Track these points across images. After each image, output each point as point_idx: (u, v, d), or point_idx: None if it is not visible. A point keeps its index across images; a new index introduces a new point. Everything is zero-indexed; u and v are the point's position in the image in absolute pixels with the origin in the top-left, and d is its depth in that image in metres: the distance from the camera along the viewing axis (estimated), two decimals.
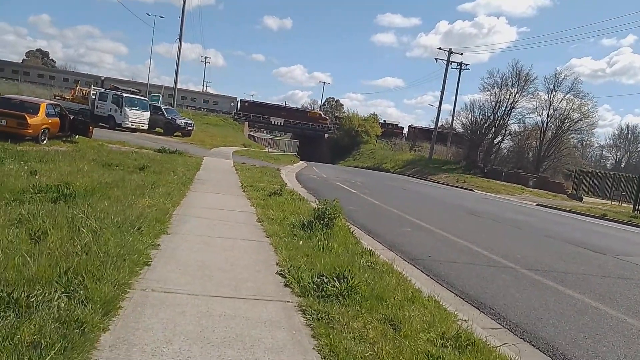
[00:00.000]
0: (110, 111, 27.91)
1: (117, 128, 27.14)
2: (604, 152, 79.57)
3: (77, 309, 3.12)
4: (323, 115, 73.59)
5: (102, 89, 31.65)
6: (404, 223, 10.51)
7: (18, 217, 5.10)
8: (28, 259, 3.73)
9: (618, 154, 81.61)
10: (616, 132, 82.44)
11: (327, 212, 7.20)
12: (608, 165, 76.67)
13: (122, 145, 18.19)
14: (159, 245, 5.13)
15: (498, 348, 3.61)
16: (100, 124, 26.52)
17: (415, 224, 10.52)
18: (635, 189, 24.44)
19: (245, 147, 34.71)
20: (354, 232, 7.38)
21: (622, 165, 74.24)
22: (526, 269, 7.07)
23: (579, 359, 4.00)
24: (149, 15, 79.48)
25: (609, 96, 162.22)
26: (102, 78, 61.03)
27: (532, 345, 4.23)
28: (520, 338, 4.36)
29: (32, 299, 3.08)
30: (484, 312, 4.93)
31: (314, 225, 6.85)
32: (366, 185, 21.22)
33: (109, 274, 3.78)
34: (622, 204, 28.03)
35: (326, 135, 67.18)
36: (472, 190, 30.46)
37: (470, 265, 7.02)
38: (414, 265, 6.50)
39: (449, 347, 3.47)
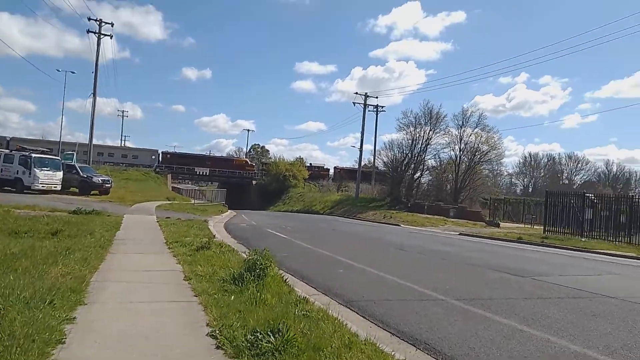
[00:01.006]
0: (17, 173, 25.92)
1: (25, 191, 25.18)
2: (513, 180, 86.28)
3: None
4: (249, 162, 73.52)
5: (7, 151, 29.39)
6: (337, 265, 10.55)
7: None
8: None
9: (525, 180, 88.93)
10: (521, 161, 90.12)
11: (258, 263, 7.05)
12: (517, 191, 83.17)
13: (32, 210, 16.81)
14: (74, 318, 4.70)
15: None
16: (6, 187, 24.51)
17: (348, 265, 10.59)
18: (544, 212, 26.57)
19: (169, 200, 33.48)
20: (287, 280, 7.26)
21: (530, 190, 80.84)
22: (455, 299, 7.31)
23: None
24: (59, 71, 75.85)
25: (511, 129, 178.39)
26: (8, 138, 56.75)
27: None
28: None
29: None
30: (419, 349, 4.98)
31: (246, 277, 6.66)
32: (297, 229, 21.19)
33: (15, 359, 3.38)
34: (534, 226, 30.31)
35: (254, 182, 66.92)
36: (398, 225, 31.44)
37: (403, 301, 7.14)
38: (349, 308, 6.49)
39: None
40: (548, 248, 19.12)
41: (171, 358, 3.91)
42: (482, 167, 50.09)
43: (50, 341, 3.93)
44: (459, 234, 25.25)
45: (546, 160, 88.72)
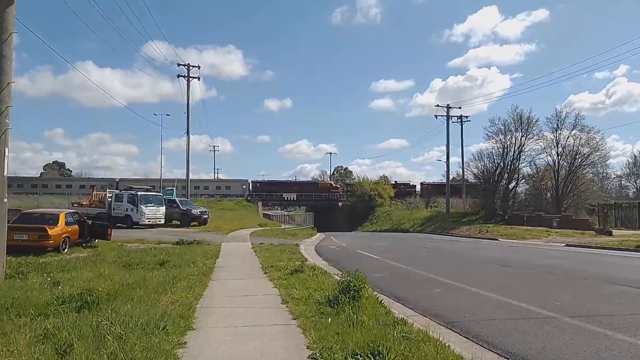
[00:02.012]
0: (127, 211, 28.54)
1: (134, 226, 27.57)
2: (622, 182, 78.37)
3: None
4: (334, 185, 74.37)
5: (117, 191, 32.59)
6: (433, 284, 10.20)
7: (43, 332, 5.07)
8: None
9: (638, 181, 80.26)
10: (630, 161, 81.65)
11: (352, 284, 7.05)
12: (630, 194, 75.14)
13: (141, 243, 18.37)
14: (185, 343, 5.01)
15: None
16: (118, 224, 27.01)
17: (445, 284, 10.19)
18: None
19: (261, 227, 34.81)
20: (382, 301, 7.16)
21: None
22: (569, 317, 6.71)
23: None
24: (155, 115, 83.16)
25: (614, 127, 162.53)
26: (117, 180, 62.99)
27: None
28: None
29: None
30: None
31: (340, 299, 6.68)
32: (387, 248, 20.89)
33: None
34: None
35: (340, 204, 67.40)
36: (496, 240, 29.78)
37: (510, 320, 6.69)
38: (450, 329, 6.21)
39: None
40: None
41: None
42: (584, 171, 46.10)
43: None
44: (565, 245, 23.29)
45: None
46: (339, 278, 8.31)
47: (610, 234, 28.03)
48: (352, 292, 6.87)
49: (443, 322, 6.54)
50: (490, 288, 9.27)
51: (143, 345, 4.50)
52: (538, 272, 12.51)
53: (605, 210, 36.94)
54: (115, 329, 5.02)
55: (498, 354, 5.17)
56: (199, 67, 41.32)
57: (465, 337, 5.82)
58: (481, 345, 5.46)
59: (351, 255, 17.90)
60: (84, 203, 31.86)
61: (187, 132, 40.63)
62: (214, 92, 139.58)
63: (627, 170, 79.17)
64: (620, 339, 5.60)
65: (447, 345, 4.93)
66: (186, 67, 40.35)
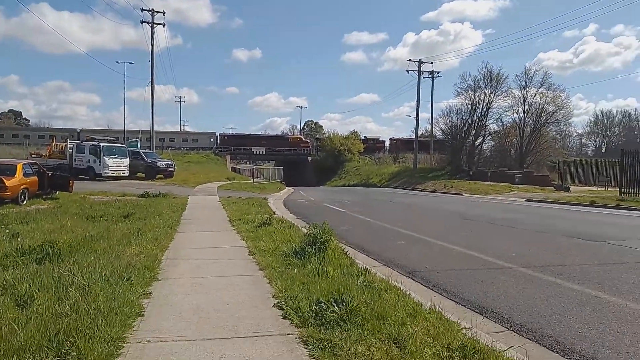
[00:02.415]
0: (89, 162, 27.72)
1: (97, 178, 26.89)
2: (583, 140, 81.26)
3: None
4: (304, 139, 73.97)
5: (78, 142, 31.46)
6: (397, 236, 10.48)
7: (2, 284, 4.96)
8: (15, 326, 3.60)
9: (597, 140, 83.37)
10: (592, 119, 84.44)
11: (319, 236, 7.15)
12: (589, 152, 78.20)
13: (105, 195, 17.99)
14: (150, 293, 5.02)
15: (505, 352, 3.56)
16: (80, 176, 26.24)
17: (409, 236, 10.49)
18: (619, 173, 24.80)
19: (229, 180, 34.58)
20: (348, 253, 7.32)
21: (603, 151, 75.79)
22: (523, 267, 7.07)
23: (586, 351, 3.97)
24: (118, 63, 79.71)
25: (580, 85, 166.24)
26: (78, 130, 60.65)
27: (539, 344, 4.18)
28: (527, 338, 4.31)
29: None
30: (487, 317, 4.88)
31: (307, 251, 6.78)
32: (355, 203, 21.21)
33: (101, 330, 3.67)
34: (608, 189, 28.43)
35: (309, 159, 67.39)
36: (460, 194, 30.63)
37: (468, 270, 6.99)
38: (412, 279, 6.45)
39: (456, 358, 3.41)
40: (625, 211, 17.92)
41: (241, 328, 4.07)
42: (548, 129, 47.38)
43: (131, 314, 4.22)
44: (525, 200, 24.22)
45: (621, 117, 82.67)
46: (306, 231, 8.41)
47: (568, 189, 29.27)
48: (318, 244, 6.99)
49: (405, 272, 6.77)
50: (452, 240, 9.61)
51: (106, 296, 4.48)
52: (498, 226, 13.03)
53: (564, 167, 38.38)
54: (77, 280, 4.96)
55: (456, 301, 5.42)
56: (163, 12, 39.30)
57: (425, 286, 6.06)
58: (440, 294, 5.71)
59: (319, 209, 18.11)
60: (44, 154, 30.72)
61: (152, 82, 39.12)
62: (180, 39, 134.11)
63: (588, 128, 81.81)
64: (569, 287, 5.95)
65: (408, 293, 5.12)
66: (150, 12, 38.26)
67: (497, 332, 4.41)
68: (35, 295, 4.44)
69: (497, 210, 18.46)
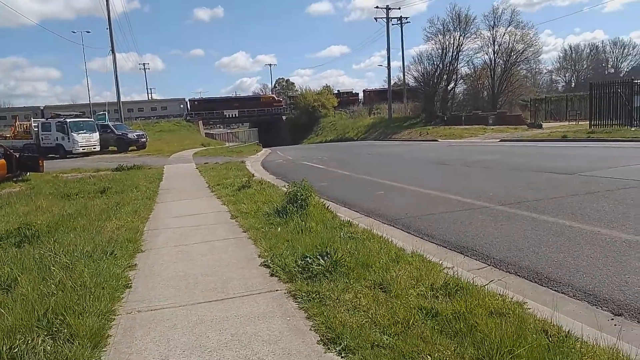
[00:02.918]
0: (57, 140, 26.93)
1: (68, 156, 26.22)
2: (553, 77, 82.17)
3: (64, 348, 3.02)
4: (276, 98, 72.90)
5: (43, 119, 30.35)
6: (377, 187, 10.61)
7: None
8: (1, 310, 3.58)
9: (567, 75, 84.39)
10: (561, 55, 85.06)
11: (299, 194, 7.18)
12: (560, 88, 79.29)
13: (78, 172, 17.58)
14: (135, 265, 5.01)
15: (486, 286, 3.71)
16: (50, 155, 25.54)
17: (388, 186, 10.63)
18: (589, 106, 25.32)
19: (204, 146, 34.12)
20: (329, 207, 7.39)
21: (573, 86, 76.88)
22: (500, 205, 7.28)
23: (562, 277, 4.17)
24: (74, 32, 75.53)
25: (548, 21, 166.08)
26: (41, 108, 58.39)
27: (518, 275, 4.37)
28: (506, 272, 4.50)
29: (15, 350, 2.97)
30: (467, 256, 5.05)
31: (289, 209, 6.82)
32: (332, 158, 21.27)
33: (90, 305, 3.67)
34: (579, 123, 29.12)
35: (284, 117, 66.72)
36: (436, 140, 30.98)
37: (447, 213, 7.17)
38: (393, 226, 6.59)
39: (440, 296, 3.55)
40: (595, 142, 18.45)
41: (230, 289, 4.14)
42: (519, 68, 47.81)
43: (118, 287, 4.23)
44: (499, 141, 24.65)
45: (589, 50, 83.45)
46: (286, 189, 8.43)
47: (540, 127, 29.86)
48: (299, 202, 7.03)
49: (386, 221, 6.91)
50: (430, 186, 9.79)
51: (91, 272, 4.46)
52: (474, 168, 13.29)
53: (536, 105, 38.97)
54: (60, 259, 4.91)
55: (437, 243, 5.59)
56: None
57: (407, 232, 6.21)
58: (421, 238, 5.87)
59: (297, 167, 18.11)
60: (7, 135, 29.72)
61: (112, 50, 37.69)
62: (137, 3, 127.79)
63: (558, 64, 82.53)
64: (544, 219, 6.18)
65: (390, 240, 5.24)
66: None
67: (478, 269, 4.58)
68: (18, 278, 4.38)
69: (472, 152, 18.77)
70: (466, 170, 13.03)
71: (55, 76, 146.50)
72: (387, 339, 2.96)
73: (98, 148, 28.26)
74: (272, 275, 4.44)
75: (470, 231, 5.96)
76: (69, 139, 26.59)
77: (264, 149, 33.13)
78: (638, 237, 5.07)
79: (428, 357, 2.71)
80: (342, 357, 2.86)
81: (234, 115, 66.26)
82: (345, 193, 9.92)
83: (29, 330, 3.28)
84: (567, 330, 2.91)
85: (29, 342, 3.07)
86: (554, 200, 7.34)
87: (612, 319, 3.36)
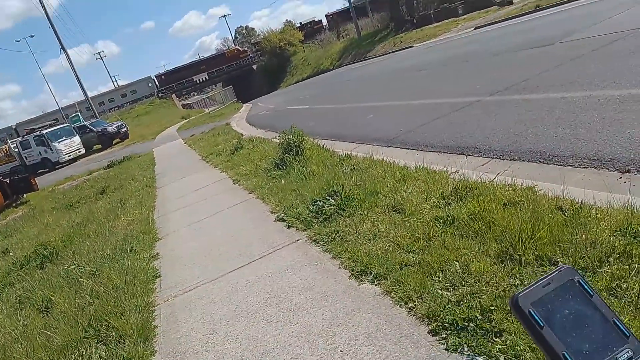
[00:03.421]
0: (41, 154, 26.54)
1: (57, 167, 25.98)
2: None
3: (118, 349, 3.16)
4: (241, 49, 70.59)
5: (20, 138, 29.75)
6: (365, 112, 10.51)
7: (17, 299, 5.01)
8: (48, 332, 3.70)
9: None
10: None
11: (292, 141, 7.15)
12: None
13: (72, 180, 17.50)
14: (157, 254, 5.12)
15: (494, 180, 3.78)
16: (40, 171, 25.30)
17: (375, 107, 10.54)
18: None
19: (185, 119, 33.58)
20: (324, 146, 7.38)
21: None
22: (490, 96, 7.23)
23: (564, 150, 4.22)
24: (18, 41, 72.20)
25: None
26: (14, 127, 57.06)
27: (522, 160, 4.42)
28: (510, 160, 4.55)
29: None
30: (469, 155, 5.09)
31: (286, 159, 6.83)
32: (313, 95, 20.94)
33: (128, 304, 3.80)
34: None
35: (254, 67, 64.99)
36: (411, 47, 30.24)
37: (440, 118, 7.14)
38: (391, 146, 6.60)
39: (452, 203, 3.62)
40: (569, 4, 17.94)
41: (253, 251, 4.23)
42: None
43: (148, 279, 4.35)
44: (474, 29, 24.05)
45: None
46: (278, 140, 8.39)
47: (511, 3, 28.91)
48: (294, 149, 7.01)
49: (383, 143, 6.91)
50: (415, 95, 9.70)
51: (118, 272, 4.57)
52: (453, 65, 13.06)
53: None
54: (84, 269, 5.02)
55: (437, 151, 5.62)
56: None
57: (405, 149, 6.23)
58: (421, 150, 5.89)
59: (283, 114, 17.89)
60: None
61: (63, 48, 36.28)
62: None
63: None
64: (535, 98, 6.16)
65: (392, 162, 5.28)
66: None
67: (482, 165, 4.63)
68: (52, 298, 4.50)
69: (450, 49, 18.37)
70: (447, 69, 12.82)
71: (16, 91, 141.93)
72: (413, 257, 3.06)
73: (83, 150, 27.90)
74: (289, 227, 4.52)
75: (466, 130, 5.96)
76: (51, 150, 26.19)
77: (244, 105, 32.55)
78: (631, 90, 5.06)
79: (455, 262, 2.81)
80: (375, 285, 2.98)
81: (204, 79, 64.57)
82: (337, 127, 9.86)
83: (80, 342, 3.42)
84: (580, 201, 2.99)
85: (84, 353, 3.21)
86: (541, 76, 7.27)
87: (621, 177, 3.44)
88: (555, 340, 0.50)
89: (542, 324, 0.51)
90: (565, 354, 0.49)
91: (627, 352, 0.50)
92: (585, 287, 0.54)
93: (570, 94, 5.75)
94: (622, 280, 2.21)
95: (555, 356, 0.49)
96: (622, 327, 0.52)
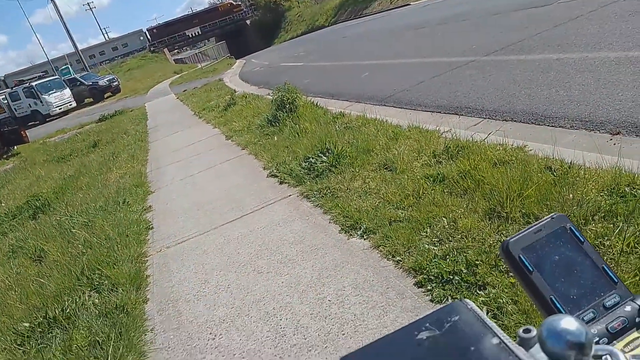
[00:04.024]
0: (31, 106, 26.09)
1: (47, 120, 25.62)
2: None
3: (111, 297, 3.24)
4: (234, 3, 68.45)
5: (9, 90, 29.14)
6: (360, 70, 10.37)
7: (10, 249, 5.06)
8: (41, 280, 3.77)
9: None
10: None
11: (285, 98, 7.08)
12: None
13: (64, 133, 17.31)
14: (150, 207, 5.15)
15: (486, 139, 3.80)
16: (30, 123, 24.95)
17: (370, 66, 10.38)
18: None
19: (177, 74, 32.96)
20: (318, 104, 7.32)
21: None
22: (485, 56, 7.14)
23: (557, 112, 4.22)
24: None
25: None
26: (2, 78, 55.79)
27: (515, 121, 4.43)
28: (502, 120, 4.55)
29: (67, 310, 3.19)
30: (462, 114, 5.08)
31: (279, 116, 6.78)
32: (309, 51, 20.53)
33: (121, 254, 3.86)
34: None
35: (248, 22, 63.23)
36: (408, 4, 29.49)
37: (435, 77, 7.07)
38: (384, 105, 6.56)
39: (443, 161, 3.65)
40: None
41: (246, 206, 4.28)
42: None
43: (141, 230, 4.40)
44: None
45: None
46: (271, 97, 8.29)
47: None
48: (287, 106, 6.95)
49: (377, 102, 6.86)
50: (412, 54, 9.56)
51: (111, 224, 4.61)
52: (451, 24, 12.79)
53: None
54: (77, 220, 5.06)
55: (430, 111, 5.60)
56: None
57: (399, 108, 6.20)
58: (414, 109, 5.87)
59: (277, 71, 17.59)
60: None
61: None
62: None
63: None
64: (531, 59, 6.10)
65: (385, 120, 5.27)
66: None
67: (474, 125, 4.63)
68: (45, 247, 4.55)
69: (445, 7, 17.94)
70: (444, 28, 12.55)
71: (3, 41, 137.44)
72: (402, 213, 3.11)
73: (74, 104, 27.44)
74: (281, 183, 4.55)
75: (461, 90, 5.93)
76: (41, 102, 25.73)
77: (237, 60, 31.92)
78: (627, 53, 5.02)
79: (443, 219, 2.87)
80: (364, 239, 3.04)
81: (197, 34, 62.87)
82: (331, 84, 9.74)
83: (73, 290, 3.50)
84: (569, 162, 3.03)
85: (77, 300, 3.28)
86: (538, 37, 7.16)
87: (611, 139, 3.47)
88: (543, 285, 0.50)
89: (531, 269, 0.51)
90: (553, 299, 0.50)
91: (614, 297, 0.51)
92: (577, 234, 0.54)
93: (566, 55, 5.69)
94: (606, 238, 2.27)
95: (543, 301, 0.50)
96: (610, 274, 0.52)
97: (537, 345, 0.36)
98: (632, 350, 0.46)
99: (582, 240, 0.54)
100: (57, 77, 29.95)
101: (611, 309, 0.50)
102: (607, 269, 0.52)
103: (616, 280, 0.52)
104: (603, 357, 0.37)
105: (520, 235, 0.53)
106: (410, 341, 0.38)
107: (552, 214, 0.56)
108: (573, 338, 0.33)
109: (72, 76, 31.18)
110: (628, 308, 0.50)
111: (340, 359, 0.38)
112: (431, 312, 0.41)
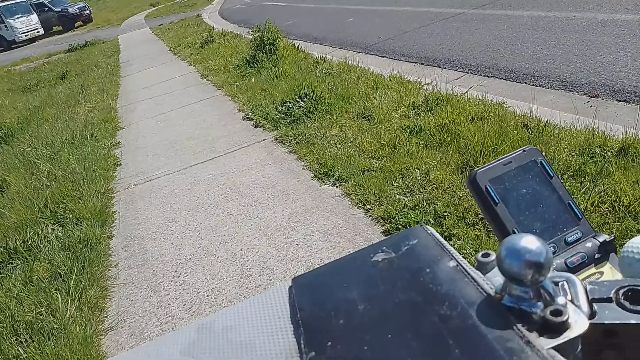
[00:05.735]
0: None
1: (12, 46, 24.20)
2: None
3: (75, 231, 3.17)
4: None
5: None
6: (346, 14, 10.02)
7: None
8: (3, 211, 3.66)
9: None
10: None
11: (265, 38, 6.81)
12: None
13: (30, 62, 16.41)
14: (119, 143, 4.99)
15: (465, 93, 3.75)
16: None
17: (358, 11, 10.03)
18: None
19: (154, 6, 31.26)
20: (299, 47, 7.07)
21: None
22: (474, 9, 6.96)
23: (539, 71, 4.18)
24: None
25: None
26: None
27: (496, 77, 4.37)
28: (484, 76, 4.49)
29: (29, 242, 3.11)
30: (445, 68, 4.99)
31: (258, 57, 6.54)
32: None
33: (87, 189, 3.75)
34: None
35: None
36: None
37: (421, 28, 6.89)
38: (368, 53, 6.39)
39: (422, 113, 3.61)
40: None
41: (218, 147, 4.18)
42: None
43: (108, 166, 4.27)
44: None
45: None
46: (251, 37, 7.96)
47: None
48: (267, 47, 6.70)
49: (360, 49, 6.67)
50: (402, 1, 9.24)
51: (77, 157, 4.46)
52: None
53: None
54: (42, 151, 4.87)
55: (413, 62, 5.48)
56: None
57: (382, 57, 6.05)
58: (397, 59, 5.73)
59: (259, 10, 16.85)
60: None
61: None
62: None
63: None
64: (519, 15, 5.97)
65: (366, 68, 5.14)
66: None
67: (456, 79, 4.57)
68: (7, 178, 4.39)
69: None
70: None
71: None
72: (376, 163, 3.08)
73: (42, 31, 25.86)
74: (256, 126, 4.44)
75: (446, 42, 5.80)
76: (6, 27, 24.17)
77: None
78: (614, 15, 4.96)
79: (416, 170, 2.86)
80: (336, 187, 3.02)
81: None
82: (314, 28, 9.40)
83: (35, 223, 3.40)
84: (545, 121, 3.02)
85: (39, 232, 3.20)
86: None
87: (588, 102, 3.47)
88: (507, 217, 0.49)
89: (497, 201, 0.49)
90: (515, 231, 0.49)
91: (577, 233, 0.50)
92: (547, 168, 0.52)
93: (554, 13, 5.59)
94: (573, 196, 2.30)
95: (506, 233, 0.49)
96: (576, 210, 0.51)
97: (496, 269, 0.34)
98: None
99: (552, 174, 0.52)
100: (23, 0, 28.04)
101: (572, 245, 0.50)
102: (572, 205, 0.51)
103: (580, 217, 0.51)
104: (560, 283, 0.35)
105: (489, 166, 0.51)
106: (366, 262, 0.37)
107: (524, 147, 0.54)
108: (532, 257, 0.30)
109: (40, 0, 29.23)
110: (589, 244, 0.50)
111: (291, 280, 0.38)
112: (389, 237, 0.40)
